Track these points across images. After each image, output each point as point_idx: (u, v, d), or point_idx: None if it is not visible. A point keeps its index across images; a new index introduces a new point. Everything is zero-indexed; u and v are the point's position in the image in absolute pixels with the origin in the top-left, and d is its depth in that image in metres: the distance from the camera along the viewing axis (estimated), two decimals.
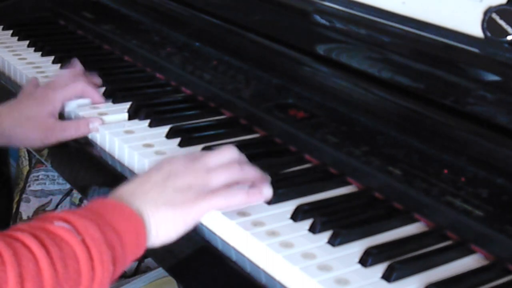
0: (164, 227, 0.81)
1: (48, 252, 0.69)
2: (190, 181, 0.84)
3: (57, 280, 0.68)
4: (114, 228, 0.76)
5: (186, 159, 0.87)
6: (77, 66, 1.21)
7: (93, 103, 1.13)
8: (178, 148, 1.01)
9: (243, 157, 0.90)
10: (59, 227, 0.72)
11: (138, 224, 0.79)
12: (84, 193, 1.26)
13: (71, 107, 1.11)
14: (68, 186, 1.80)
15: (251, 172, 0.88)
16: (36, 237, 0.70)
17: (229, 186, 0.85)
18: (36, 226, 0.72)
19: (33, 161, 1.83)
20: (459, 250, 0.80)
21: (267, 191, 0.87)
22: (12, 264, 0.66)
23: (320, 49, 1.07)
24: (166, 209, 0.81)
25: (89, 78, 1.18)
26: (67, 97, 1.11)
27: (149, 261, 1.66)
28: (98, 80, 1.21)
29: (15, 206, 1.82)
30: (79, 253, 0.71)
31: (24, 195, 1.82)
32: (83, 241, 0.72)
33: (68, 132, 1.06)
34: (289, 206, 0.86)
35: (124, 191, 0.83)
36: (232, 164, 0.87)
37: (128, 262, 0.78)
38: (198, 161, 0.86)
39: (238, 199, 0.84)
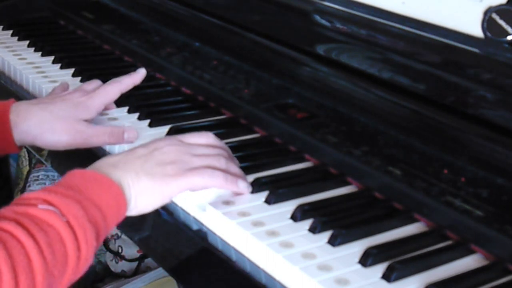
0: (143, 197, 0.82)
1: (35, 240, 0.69)
2: (173, 157, 0.86)
3: (46, 267, 0.68)
4: (95, 202, 0.77)
5: (173, 140, 0.90)
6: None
7: (138, 82, 1.10)
8: None
9: (227, 152, 0.92)
10: (43, 210, 0.72)
11: (119, 195, 0.80)
12: None
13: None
14: None
15: (234, 167, 0.90)
16: (22, 225, 0.69)
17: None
18: (20, 212, 0.72)
19: (33, 161, 1.83)
20: (459, 250, 0.80)
21: (243, 186, 0.88)
22: (4, 259, 0.66)
23: (320, 49, 1.07)
24: (147, 179, 0.83)
25: (130, 77, 1.11)
26: (103, 103, 1.05)
27: (149, 261, 1.66)
28: (139, 75, 1.12)
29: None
30: (65, 236, 0.72)
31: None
32: (68, 223, 0.72)
33: (100, 138, 1.01)
34: (289, 206, 0.86)
35: (105, 162, 0.84)
36: (218, 157, 0.89)
37: (109, 231, 0.80)
38: (185, 145, 0.89)
39: (216, 181, 0.86)
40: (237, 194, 0.88)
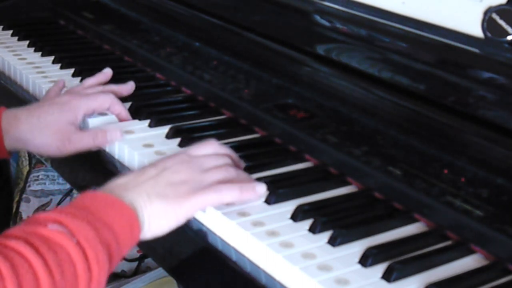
0: (156, 219, 0.81)
1: (44, 260, 0.68)
2: (184, 177, 0.84)
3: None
4: (108, 224, 0.75)
5: (181, 157, 0.88)
6: (108, 74, 1.16)
7: (120, 119, 1.09)
8: (178, 148, 1.01)
9: (233, 159, 0.91)
10: (53, 230, 0.71)
11: (132, 217, 0.78)
12: None
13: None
14: (68, 186, 1.81)
15: (245, 176, 0.89)
16: (31, 245, 0.69)
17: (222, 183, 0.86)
18: (29, 232, 0.71)
19: (33, 161, 1.83)
20: (459, 250, 0.80)
21: (260, 188, 0.87)
22: (11, 278, 0.65)
23: (320, 49, 1.07)
24: (159, 201, 0.81)
25: (119, 87, 1.13)
26: (91, 107, 1.05)
27: (149, 261, 1.66)
28: (128, 87, 1.15)
29: (15, 206, 1.82)
30: (75, 256, 0.71)
31: (24, 195, 1.82)
32: (78, 243, 0.71)
33: (85, 141, 1.02)
34: (289, 206, 0.86)
35: (116, 184, 0.83)
36: (227, 167, 0.88)
37: (123, 255, 0.78)
38: (194, 161, 0.87)
39: (231, 195, 0.85)
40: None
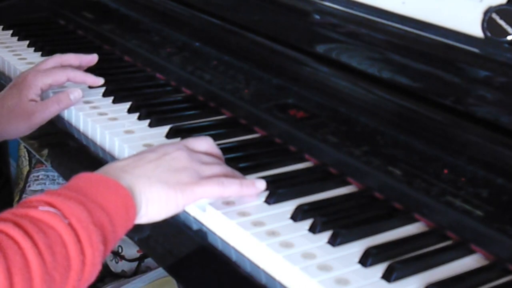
0: (156, 205, 0.80)
1: (34, 241, 0.66)
2: (185, 164, 0.84)
3: (45, 270, 0.66)
4: (101, 205, 0.74)
5: (180, 146, 0.87)
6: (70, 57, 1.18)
7: (89, 85, 1.14)
8: None
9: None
10: (44, 211, 0.70)
11: (127, 198, 0.77)
12: None
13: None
14: None
15: (240, 175, 0.89)
16: (20, 226, 0.67)
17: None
18: (19, 214, 0.70)
19: (33, 161, 1.83)
20: (459, 250, 0.80)
21: (260, 184, 0.87)
22: None
23: (320, 49, 1.07)
24: (161, 186, 0.80)
25: (77, 56, 1.17)
26: (46, 83, 1.09)
27: (149, 261, 1.66)
28: (89, 58, 1.18)
29: (15, 206, 1.82)
30: (67, 238, 0.69)
31: (24, 195, 1.82)
32: (70, 225, 0.69)
33: (51, 108, 1.06)
34: (289, 206, 0.86)
35: (113, 166, 0.82)
36: (223, 165, 0.89)
37: (119, 237, 0.76)
38: (192, 152, 0.87)
39: (232, 188, 0.84)
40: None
